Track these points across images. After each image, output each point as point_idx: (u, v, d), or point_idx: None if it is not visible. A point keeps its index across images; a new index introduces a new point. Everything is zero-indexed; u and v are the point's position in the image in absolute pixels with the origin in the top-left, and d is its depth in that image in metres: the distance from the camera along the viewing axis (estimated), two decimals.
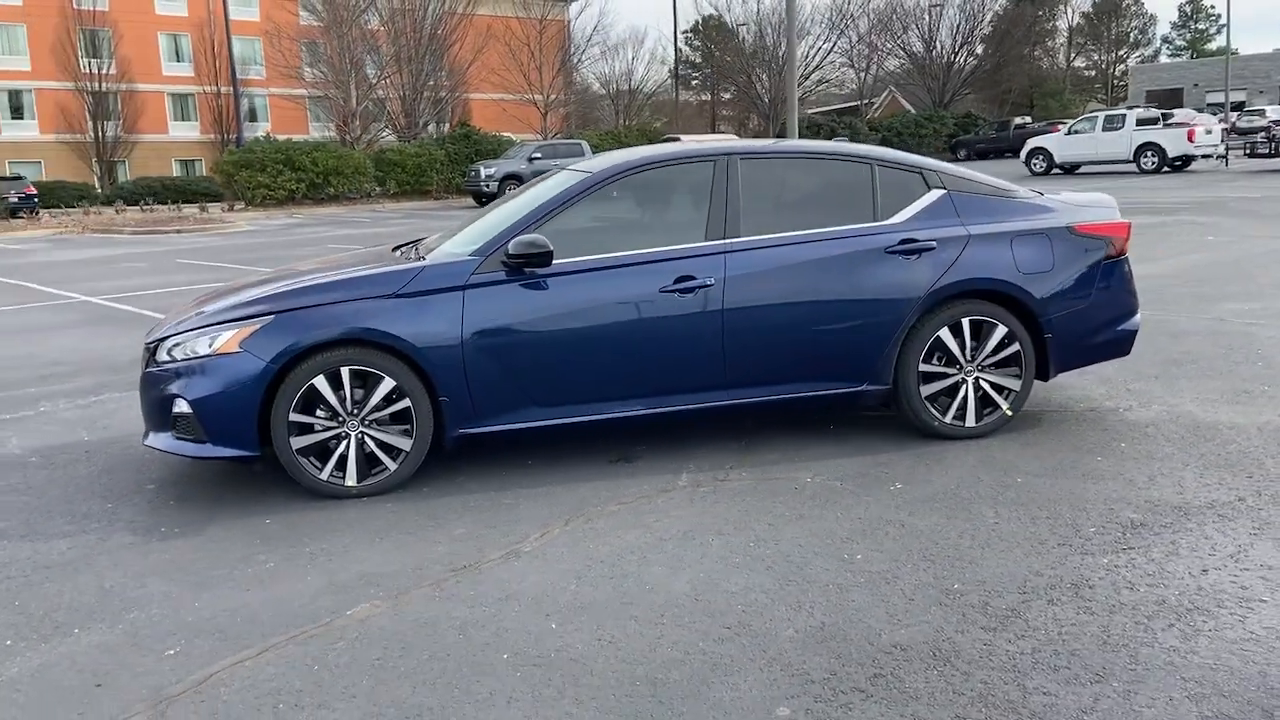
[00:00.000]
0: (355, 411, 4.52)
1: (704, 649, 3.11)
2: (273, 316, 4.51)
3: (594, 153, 32.94)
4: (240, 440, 4.48)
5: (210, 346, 4.51)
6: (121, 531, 4.30)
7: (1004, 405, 5.16)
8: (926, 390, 5.07)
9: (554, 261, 4.67)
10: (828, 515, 4.19)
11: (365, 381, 4.51)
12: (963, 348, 5.06)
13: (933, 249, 5.01)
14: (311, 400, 4.47)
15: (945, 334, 5.02)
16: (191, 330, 4.62)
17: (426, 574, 3.73)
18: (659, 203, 5.19)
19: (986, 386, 5.13)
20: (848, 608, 3.35)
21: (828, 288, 4.92)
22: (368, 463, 4.58)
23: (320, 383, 4.46)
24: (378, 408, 4.54)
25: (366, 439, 4.56)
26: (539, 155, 32.20)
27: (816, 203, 5.22)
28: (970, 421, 5.12)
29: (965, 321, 5.04)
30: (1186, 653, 2.99)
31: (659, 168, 5.15)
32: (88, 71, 49.05)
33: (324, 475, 4.54)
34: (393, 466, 4.60)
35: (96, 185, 46.21)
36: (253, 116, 54.08)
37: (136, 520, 4.44)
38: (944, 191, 5.17)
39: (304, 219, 28.96)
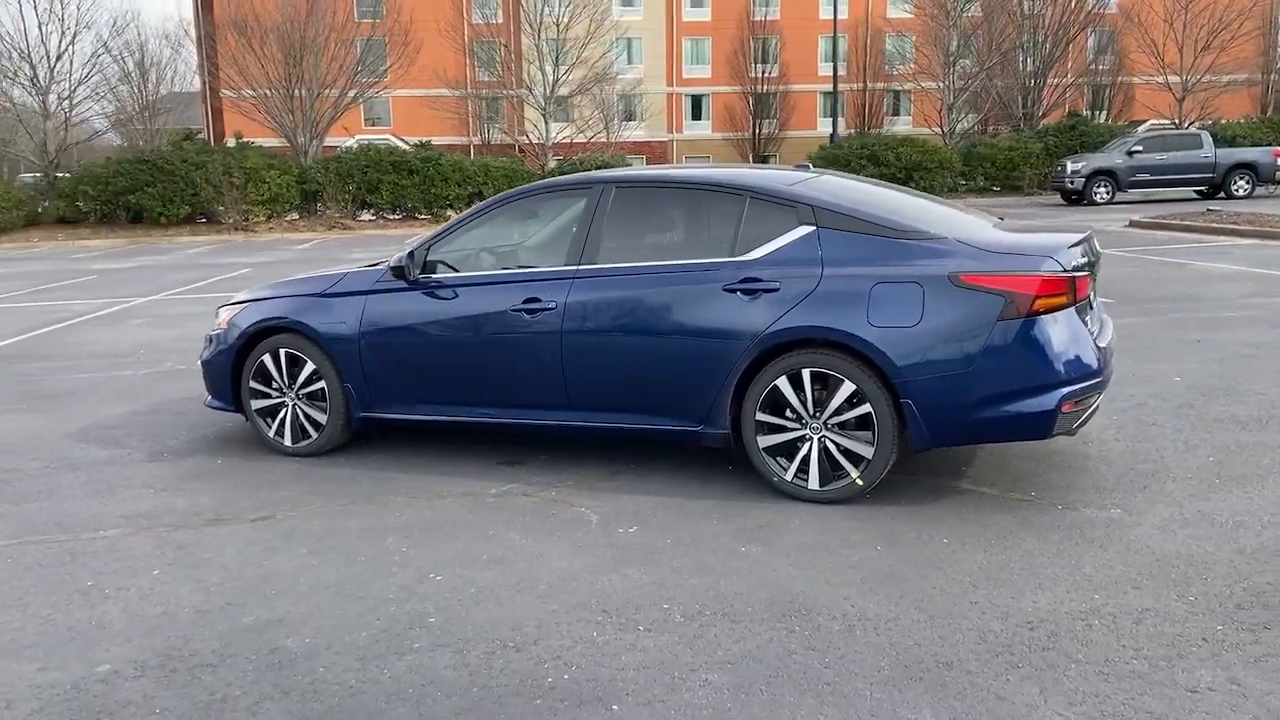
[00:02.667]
0: (291, 386, 5.69)
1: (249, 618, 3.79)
2: (248, 304, 5.88)
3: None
4: (224, 398, 5.94)
5: (216, 321, 6.02)
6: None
7: (854, 474, 4.58)
8: (765, 442, 4.72)
9: (434, 276, 5.35)
10: (546, 543, 4.36)
11: (296, 363, 5.66)
12: (803, 401, 4.61)
13: (775, 290, 4.64)
14: (264, 373, 5.75)
15: (783, 384, 4.63)
16: (219, 308, 6.19)
17: (196, 517, 4.80)
18: (542, 226, 5.48)
19: (834, 449, 4.60)
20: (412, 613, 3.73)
21: (661, 321, 4.86)
22: (301, 431, 5.72)
23: (267, 360, 5.71)
24: (303, 385, 5.66)
25: (299, 410, 5.71)
26: (1139, 149, 29.03)
27: (681, 233, 5.14)
28: (814, 484, 4.65)
29: (806, 373, 4.59)
30: None
31: (545, 193, 5.45)
32: (754, 75, 55.24)
33: (270, 434, 5.80)
34: (315, 435, 5.68)
35: None
36: (895, 110, 56.21)
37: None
38: (812, 228, 4.70)
39: None
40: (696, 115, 58.20)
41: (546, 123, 32.77)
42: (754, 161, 55.43)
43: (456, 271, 5.41)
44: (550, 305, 5.03)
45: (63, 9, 32.32)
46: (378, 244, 22.62)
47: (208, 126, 45.27)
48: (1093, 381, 4.48)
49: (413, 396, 5.45)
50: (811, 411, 4.61)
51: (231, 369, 5.82)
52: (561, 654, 3.32)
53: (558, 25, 32.78)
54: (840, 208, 4.73)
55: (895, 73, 53.30)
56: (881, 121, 55.99)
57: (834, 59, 38.47)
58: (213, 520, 4.74)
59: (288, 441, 5.74)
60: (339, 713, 3.01)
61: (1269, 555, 3.90)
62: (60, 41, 32.33)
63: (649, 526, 4.46)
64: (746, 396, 4.72)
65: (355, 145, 32.69)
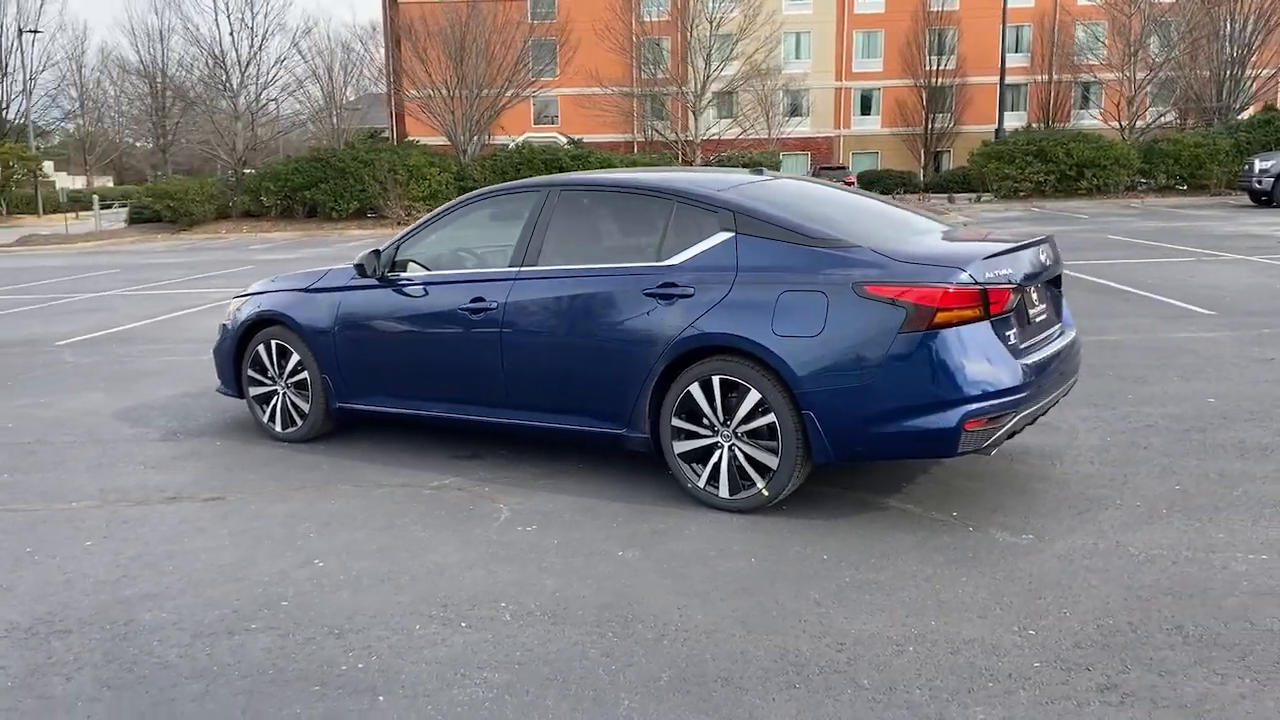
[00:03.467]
0: (281, 375, 6.05)
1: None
2: (250, 296, 6.27)
3: None
4: (229, 384, 6.36)
5: (228, 311, 6.44)
6: None
7: (760, 484, 4.50)
8: (680, 448, 4.70)
9: (400, 274, 5.58)
10: (436, 538, 4.52)
11: (284, 354, 6.00)
12: (713, 409, 4.57)
13: (690, 296, 4.61)
14: (259, 362, 6.13)
15: (696, 390, 4.60)
16: (232, 299, 6.61)
17: (161, 492, 5.19)
18: (500, 228, 5.58)
19: (742, 458, 4.54)
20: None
21: (589, 324, 4.91)
22: (289, 418, 6.06)
23: (261, 350, 6.09)
24: (290, 375, 6.00)
25: (287, 399, 6.05)
26: None
27: (617, 237, 5.17)
28: (724, 493, 4.60)
29: (716, 380, 4.54)
30: None
31: (503, 195, 5.56)
32: (929, 68, 53.54)
33: (264, 419, 6.17)
34: (300, 423, 6.01)
35: (920, 174, 50.51)
36: (1084, 103, 53.31)
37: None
38: (731, 234, 4.64)
39: (1029, 214, 28.63)
40: (865, 110, 56.89)
41: (695, 119, 32.83)
42: (927, 157, 53.81)
43: (426, 270, 5.61)
44: (492, 305, 5.16)
45: (252, 17, 34.86)
46: None
47: (391, 126, 47.67)
48: (1008, 399, 4.24)
49: (379, 389, 5.69)
50: (722, 419, 4.56)
51: (233, 357, 6.23)
52: (373, 644, 3.45)
53: (711, 22, 32.73)
54: (759, 213, 4.64)
55: (1084, 63, 50.59)
56: (1068, 116, 53.24)
57: (1002, 49, 36.77)
58: (170, 498, 5.12)
59: (278, 427, 6.10)
60: (138, 684, 3.24)
61: (1155, 594, 3.61)
62: (250, 47, 34.87)
63: (549, 527, 4.53)
64: (664, 402, 4.71)
65: (516, 144, 33.78)
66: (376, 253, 5.64)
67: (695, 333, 4.56)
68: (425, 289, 5.48)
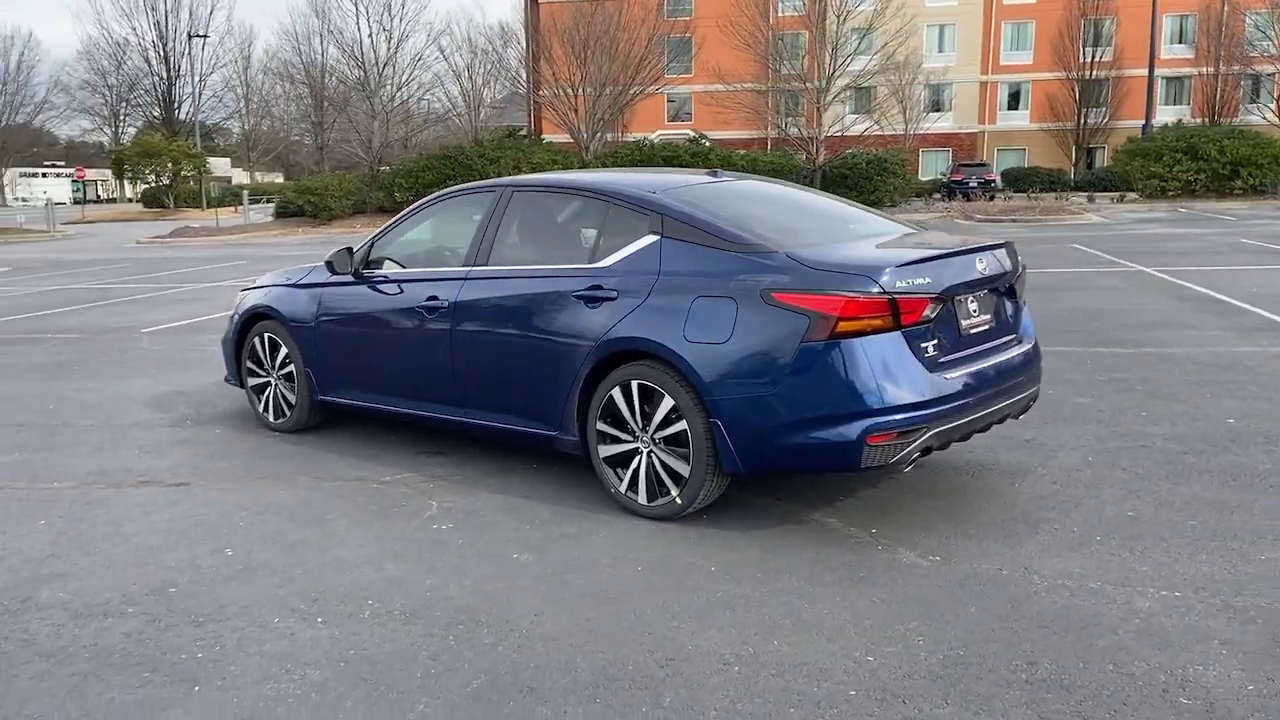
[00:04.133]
0: (273, 368, 6.26)
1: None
2: (250, 290, 6.51)
3: None
4: (232, 374, 6.63)
5: (234, 303, 6.71)
6: None
7: (674, 492, 4.40)
8: (605, 452, 4.65)
9: (371, 272, 5.70)
10: (355, 530, 4.62)
11: (275, 348, 6.22)
12: (633, 414, 4.50)
13: (613, 299, 4.56)
14: (255, 354, 6.36)
15: (617, 394, 4.54)
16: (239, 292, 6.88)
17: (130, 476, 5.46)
18: (462, 227, 5.60)
19: (659, 465, 4.45)
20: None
21: (525, 325, 4.90)
22: (280, 409, 6.27)
23: (257, 342, 6.33)
24: (280, 368, 6.21)
25: (279, 390, 6.27)
26: None
27: (559, 238, 5.14)
28: (642, 499, 4.53)
29: (634, 385, 4.47)
30: None
31: (465, 195, 5.58)
32: (1084, 60, 51.05)
33: (260, 409, 6.41)
34: (288, 414, 6.22)
35: (1070, 172, 48.29)
36: (1254, 97, 49.84)
37: None
38: (657, 238, 4.55)
39: (1173, 215, 27.00)
40: (1013, 104, 54.70)
41: (820, 114, 32.26)
42: (1078, 154, 51.38)
43: (402, 268, 5.71)
44: (444, 304, 5.21)
45: (390, 19, 36.19)
46: None
47: (529, 124, 48.69)
48: (918, 414, 4.02)
49: (353, 384, 5.83)
50: (640, 425, 4.48)
51: (235, 348, 6.49)
52: (224, 635, 3.52)
53: (838, 16, 32.10)
54: (684, 216, 4.54)
55: (1254, 55, 47.35)
56: (1235, 111, 49.89)
57: (1152, 37, 34.71)
58: (143, 482, 5.37)
59: (270, 417, 6.32)
60: None
61: (1030, 626, 3.36)
62: (387, 49, 36.21)
63: (465, 525, 4.55)
64: (590, 405, 4.66)
65: (656, 140, 33.99)
66: (349, 250, 5.77)
67: (615, 336, 4.49)
68: (392, 286, 5.57)
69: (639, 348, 4.42)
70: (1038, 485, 4.77)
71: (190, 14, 56.76)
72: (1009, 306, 4.73)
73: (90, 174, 69.22)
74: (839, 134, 33.07)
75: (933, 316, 4.16)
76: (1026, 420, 5.23)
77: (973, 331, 4.42)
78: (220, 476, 5.43)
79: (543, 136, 36.14)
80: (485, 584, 3.90)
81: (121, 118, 67.49)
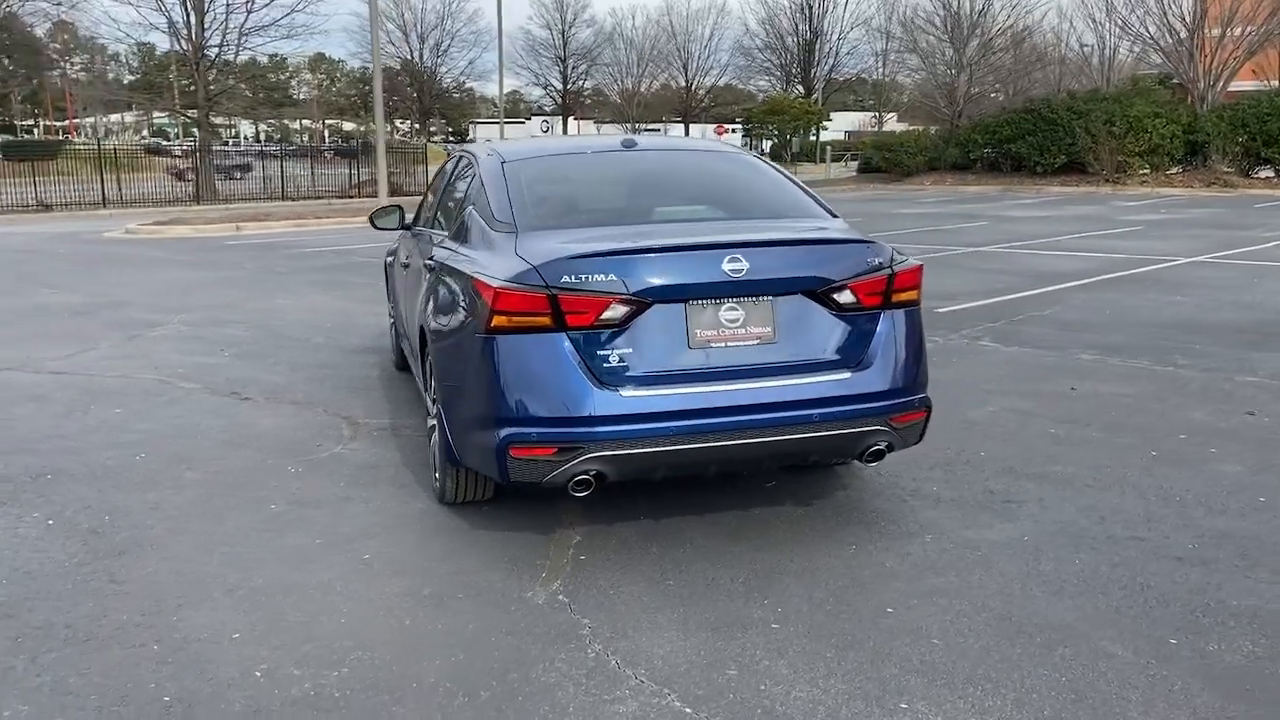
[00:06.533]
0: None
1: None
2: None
3: None
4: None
5: None
6: None
7: (436, 477, 3.99)
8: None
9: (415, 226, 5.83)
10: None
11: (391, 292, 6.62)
12: (426, 391, 4.17)
13: (434, 270, 4.19)
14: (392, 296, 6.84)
15: (426, 370, 4.21)
16: None
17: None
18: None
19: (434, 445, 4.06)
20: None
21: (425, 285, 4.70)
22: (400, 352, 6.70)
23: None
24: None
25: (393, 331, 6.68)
26: None
27: (457, 206, 4.75)
28: (435, 482, 4.14)
29: (429, 364, 4.12)
30: None
31: (450, 160, 5.39)
32: None
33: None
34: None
35: None
36: None
37: None
38: (472, 208, 4.09)
39: None
40: None
41: None
42: None
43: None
44: (433, 264, 5.16)
45: None
46: (1258, 207, 20.08)
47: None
48: (575, 430, 3.23)
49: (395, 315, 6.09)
50: (430, 407, 4.11)
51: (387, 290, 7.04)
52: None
53: None
54: (486, 189, 4.02)
55: None
56: None
57: None
58: (237, 398, 6.15)
59: (394, 356, 6.78)
60: None
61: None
62: None
63: (341, 517, 4.36)
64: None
65: None
66: (398, 208, 5.94)
67: (422, 310, 4.16)
68: (418, 237, 5.64)
69: (422, 324, 4.05)
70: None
71: None
72: (832, 324, 3.41)
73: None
74: None
75: (620, 320, 3.22)
76: None
77: (717, 345, 3.29)
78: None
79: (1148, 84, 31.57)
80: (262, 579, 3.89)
81: (793, 76, 71.19)
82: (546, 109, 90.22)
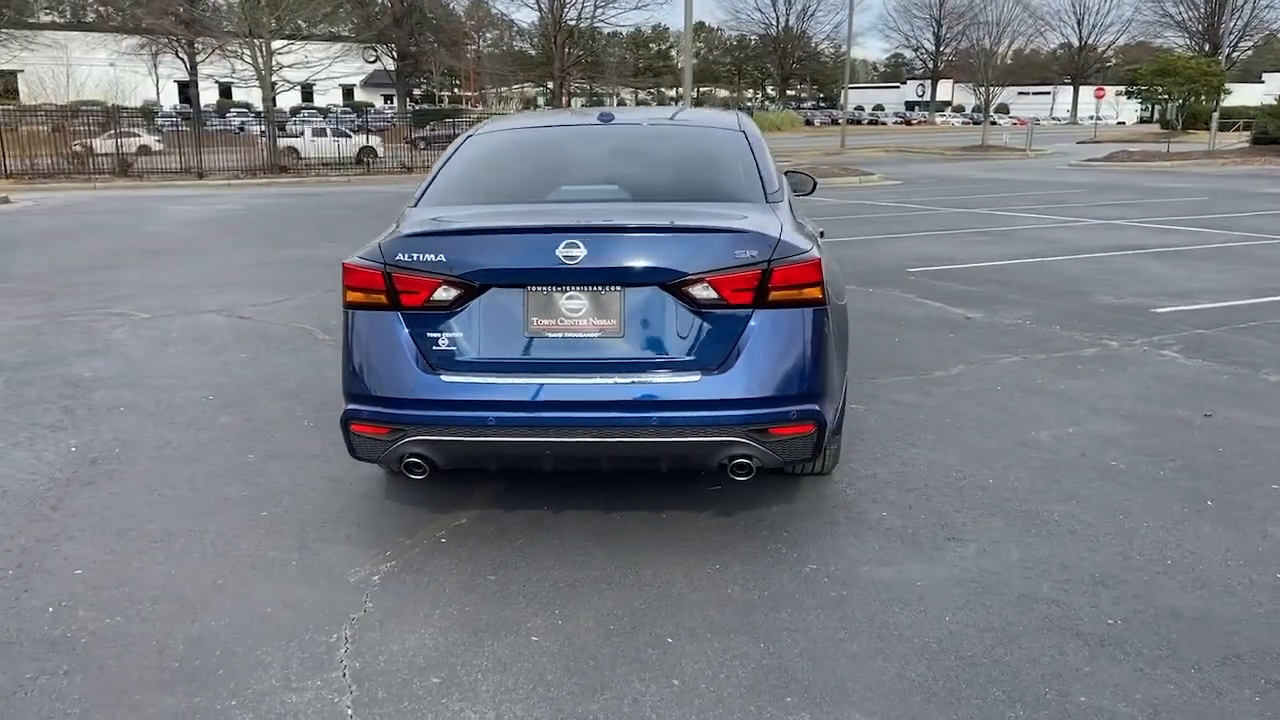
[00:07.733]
0: None
1: None
2: None
3: None
4: None
5: None
6: None
7: None
8: None
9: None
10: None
11: None
12: None
13: None
14: None
15: None
16: None
17: None
18: None
19: None
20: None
21: None
22: None
23: None
24: None
25: None
26: None
27: None
28: None
29: None
30: None
31: None
32: None
33: None
34: None
35: None
36: None
37: None
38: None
39: None
40: None
41: None
42: None
43: None
44: None
45: None
46: None
47: None
48: (394, 412, 3.20)
49: None
50: None
51: None
52: None
53: None
54: (443, 164, 4.06)
55: None
56: None
57: None
58: None
59: None
60: None
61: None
62: None
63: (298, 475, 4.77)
64: None
65: None
66: None
67: None
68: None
69: None
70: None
71: None
72: (689, 321, 3.07)
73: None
74: None
75: (451, 302, 3.15)
76: None
77: (554, 335, 3.13)
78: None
79: None
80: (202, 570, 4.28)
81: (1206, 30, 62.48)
82: (917, 72, 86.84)
